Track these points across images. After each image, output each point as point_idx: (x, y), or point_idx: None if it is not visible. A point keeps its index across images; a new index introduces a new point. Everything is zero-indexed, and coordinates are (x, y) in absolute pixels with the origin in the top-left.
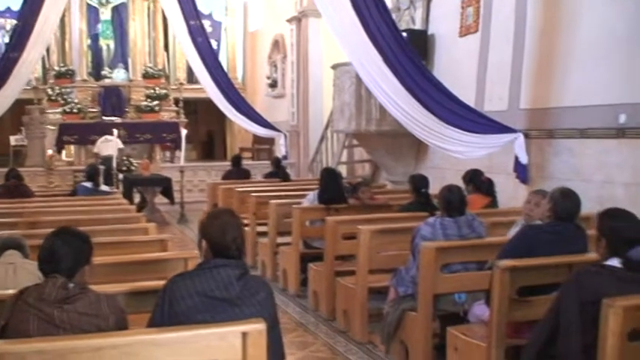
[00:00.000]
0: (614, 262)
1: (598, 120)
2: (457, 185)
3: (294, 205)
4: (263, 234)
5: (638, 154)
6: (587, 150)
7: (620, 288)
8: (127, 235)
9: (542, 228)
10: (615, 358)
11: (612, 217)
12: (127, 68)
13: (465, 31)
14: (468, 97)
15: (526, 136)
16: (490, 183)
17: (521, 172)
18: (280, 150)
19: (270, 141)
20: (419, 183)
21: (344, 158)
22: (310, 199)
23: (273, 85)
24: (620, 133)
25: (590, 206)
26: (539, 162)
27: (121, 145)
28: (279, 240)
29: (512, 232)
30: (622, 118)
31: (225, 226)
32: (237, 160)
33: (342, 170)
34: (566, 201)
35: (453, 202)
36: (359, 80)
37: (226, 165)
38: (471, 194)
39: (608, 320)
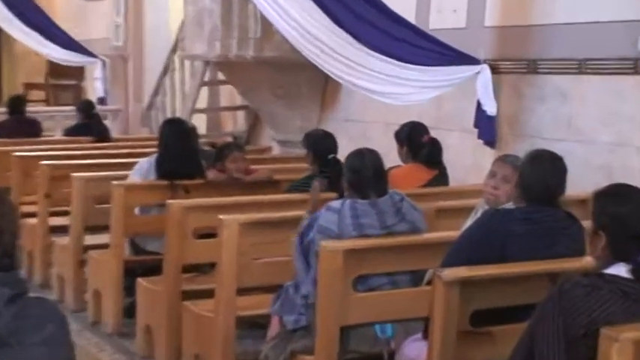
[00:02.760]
0: (619, 269)
1: (605, 46)
2: (370, 149)
3: (115, 182)
4: (61, 229)
5: None
6: (587, 93)
7: (628, 310)
8: None
9: (512, 215)
10: None
11: (616, 200)
12: None
13: None
14: (404, 7)
15: (494, 69)
16: (435, 146)
17: (486, 127)
18: (95, 89)
19: (78, 73)
20: (321, 145)
21: (202, 104)
22: (143, 170)
23: None
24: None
25: (594, 180)
26: (514, 112)
27: None
28: (89, 240)
29: (470, 223)
30: None
31: None
32: (17, 105)
33: (200, 123)
34: (536, 171)
35: (363, 175)
36: None
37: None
38: (407, 163)
39: (611, 359)
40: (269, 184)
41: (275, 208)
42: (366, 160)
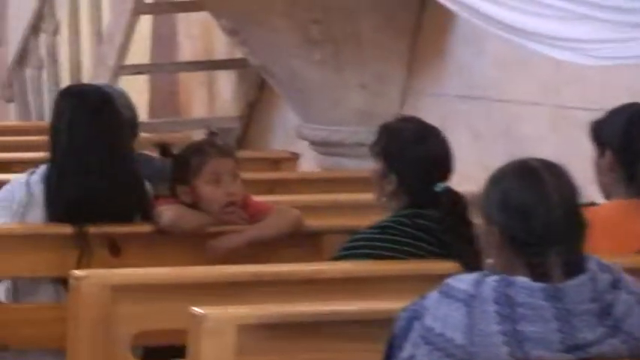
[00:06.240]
0: None
1: None
2: (548, 163)
3: None
4: None
5: None
6: None
7: None
8: None
9: None
10: None
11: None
12: None
13: None
14: None
15: None
16: None
17: None
18: None
19: None
20: (415, 155)
21: (141, 55)
22: (15, 202)
23: None
24: None
25: None
26: None
27: None
28: None
29: None
30: None
31: None
32: None
33: (138, 99)
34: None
35: (541, 223)
36: None
37: None
38: (615, 197)
39: None
40: (299, 240)
41: (309, 296)
42: (549, 189)
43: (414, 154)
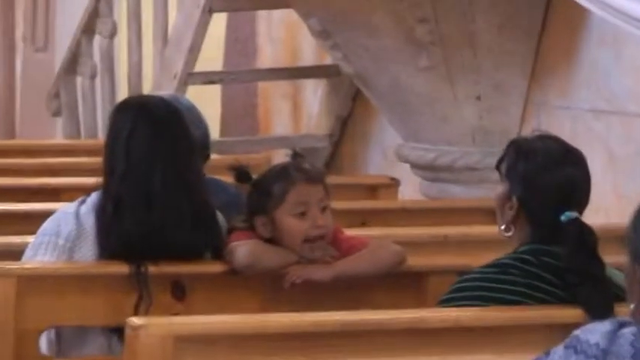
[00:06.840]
0: None
1: None
2: None
3: None
4: None
5: None
6: None
7: None
8: None
9: None
10: None
11: None
12: None
13: None
14: None
15: None
16: None
17: None
18: None
19: None
20: (547, 180)
21: (214, 62)
22: (62, 236)
23: None
24: None
25: None
26: None
27: None
28: None
29: None
30: None
31: None
32: None
33: (211, 114)
34: None
35: None
36: None
37: None
38: None
39: None
40: (392, 278)
41: None
42: None
43: (544, 178)
